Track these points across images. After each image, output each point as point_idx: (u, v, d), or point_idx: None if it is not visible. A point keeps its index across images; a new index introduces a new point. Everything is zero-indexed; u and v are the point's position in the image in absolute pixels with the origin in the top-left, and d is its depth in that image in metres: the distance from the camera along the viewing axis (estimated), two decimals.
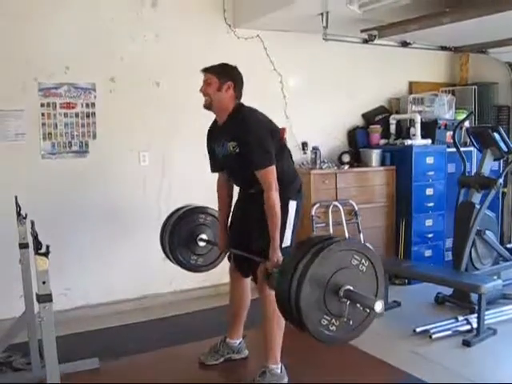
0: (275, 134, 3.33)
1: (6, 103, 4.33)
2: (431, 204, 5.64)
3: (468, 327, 4.24)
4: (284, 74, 5.50)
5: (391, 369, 3.64)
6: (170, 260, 3.93)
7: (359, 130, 5.97)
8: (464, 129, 5.66)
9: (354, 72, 5.90)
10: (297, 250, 2.72)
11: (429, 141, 5.70)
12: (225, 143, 3.30)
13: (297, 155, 5.63)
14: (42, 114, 4.49)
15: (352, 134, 5.99)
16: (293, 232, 3.33)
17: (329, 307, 2.42)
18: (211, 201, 3.77)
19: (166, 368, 3.79)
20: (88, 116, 4.66)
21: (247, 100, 5.24)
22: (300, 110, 5.60)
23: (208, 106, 3.37)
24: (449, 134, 5.77)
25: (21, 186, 4.17)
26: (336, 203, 5.29)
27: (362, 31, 5.30)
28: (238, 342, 3.74)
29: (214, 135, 3.48)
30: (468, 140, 5.44)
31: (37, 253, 2.25)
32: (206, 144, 3.59)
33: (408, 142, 5.59)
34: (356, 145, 5.91)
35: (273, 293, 3.16)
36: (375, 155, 5.63)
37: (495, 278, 4.70)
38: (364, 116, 6.10)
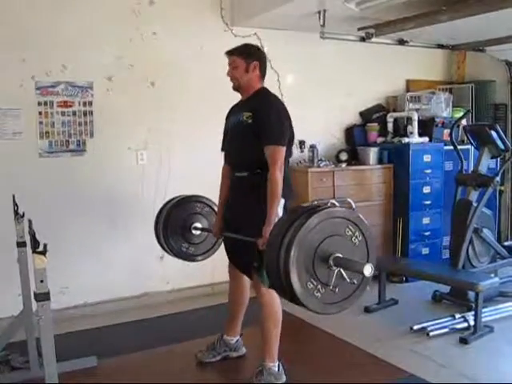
0: (290, 128, 3.38)
1: (3, 102, 4.33)
2: (428, 202, 5.66)
3: (465, 325, 4.25)
4: (281, 73, 5.49)
5: (389, 366, 3.64)
6: (164, 248, 3.89)
7: (357, 128, 5.98)
8: (461, 127, 5.67)
9: (352, 70, 5.91)
10: (291, 213, 2.70)
11: (426, 139, 5.71)
12: (240, 113, 3.35)
13: (294, 153, 5.61)
14: (40, 113, 4.49)
15: (349, 132, 5.99)
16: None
17: (317, 272, 2.38)
18: (210, 197, 3.78)
19: (163, 366, 3.80)
20: (85, 114, 4.66)
21: None
22: (297, 108, 5.52)
23: (236, 88, 3.42)
24: (446, 131, 5.77)
25: (18, 185, 4.16)
26: (333, 201, 5.28)
27: (359, 29, 5.30)
28: (235, 339, 3.75)
29: (234, 110, 3.52)
30: (465, 138, 5.44)
31: (34, 251, 2.25)
32: (224, 126, 3.60)
33: (405, 140, 5.60)
34: (353, 143, 5.91)
35: (269, 291, 3.19)
36: (373, 153, 5.63)
37: (492, 275, 4.70)
38: (361, 114, 6.11)
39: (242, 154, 3.38)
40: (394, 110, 6.12)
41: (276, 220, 3.13)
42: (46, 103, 4.50)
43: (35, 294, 2.24)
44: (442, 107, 5.98)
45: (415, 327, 4.24)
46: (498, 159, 5.58)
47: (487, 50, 6.27)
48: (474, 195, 4.86)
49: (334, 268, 2.38)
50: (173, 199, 3.94)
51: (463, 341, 4.03)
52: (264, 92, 3.41)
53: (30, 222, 2.78)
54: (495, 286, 4.47)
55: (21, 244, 3.36)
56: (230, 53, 3.40)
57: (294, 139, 3.49)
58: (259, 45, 5.27)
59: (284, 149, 3.20)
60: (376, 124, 5.94)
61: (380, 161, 5.67)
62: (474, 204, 4.80)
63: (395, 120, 5.94)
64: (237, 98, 5.21)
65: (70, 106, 4.60)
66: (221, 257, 3.74)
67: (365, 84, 6.04)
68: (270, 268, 2.51)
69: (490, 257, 5.04)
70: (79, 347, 3.90)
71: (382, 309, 4.79)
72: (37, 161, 4.51)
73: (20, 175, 4.41)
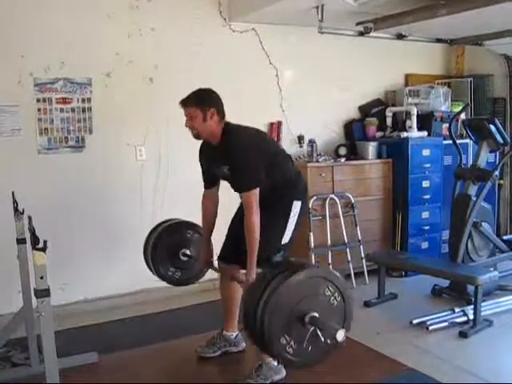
0: (266, 148, 3.38)
1: (1, 98, 4.33)
2: (428, 196, 5.66)
3: (464, 319, 4.27)
4: (280, 68, 5.50)
5: (388, 360, 3.65)
6: (151, 270, 4.00)
7: (356, 123, 5.98)
8: (460, 121, 5.67)
9: (350, 65, 5.90)
10: (276, 266, 2.81)
11: (425, 133, 5.70)
12: (220, 167, 3.34)
13: (293, 148, 5.64)
14: (38, 110, 4.49)
15: (348, 127, 5.99)
16: (294, 231, 3.40)
17: (292, 328, 2.47)
18: None
19: (164, 361, 3.81)
20: (84, 111, 4.66)
21: (243, 94, 5.28)
22: (296, 103, 5.60)
23: (197, 137, 3.38)
24: (445, 126, 5.78)
25: (17, 182, 4.17)
26: (333, 196, 5.30)
27: (358, 24, 5.29)
28: (234, 334, 3.76)
29: (209, 157, 3.47)
30: (464, 132, 5.44)
31: (34, 248, 2.26)
32: (198, 160, 3.59)
33: (404, 134, 5.60)
34: (352, 137, 5.91)
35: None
36: (372, 148, 5.63)
37: (491, 269, 4.71)
38: (360, 109, 6.11)
39: None
40: (393, 105, 6.12)
41: (289, 223, 3.32)
42: (44, 100, 4.50)
43: (35, 290, 2.25)
44: (440, 101, 5.98)
45: (415, 321, 4.25)
46: (497, 153, 5.58)
47: (485, 44, 6.27)
48: (473, 189, 4.86)
49: (309, 326, 2.45)
50: (164, 222, 4.05)
51: (462, 335, 4.04)
52: (227, 135, 3.30)
53: (29, 218, 2.78)
54: (494, 280, 4.46)
55: (21, 241, 3.36)
56: (184, 104, 3.29)
57: (283, 151, 3.53)
58: (257, 40, 5.33)
59: (256, 190, 3.18)
60: (375, 118, 5.93)
61: (379, 155, 5.67)
62: (473, 198, 4.80)
63: (394, 114, 5.94)
64: (236, 95, 5.25)
65: (69, 103, 4.60)
66: None
67: (363, 78, 6.04)
68: (248, 311, 2.58)
69: (489, 251, 5.05)
70: (80, 343, 3.90)
71: (382, 303, 4.80)
72: (36, 157, 4.51)
73: (19, 172, 4.41)
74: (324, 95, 5.80)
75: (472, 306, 4.24)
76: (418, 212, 5.64)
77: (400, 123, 5.91)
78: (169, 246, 3.93)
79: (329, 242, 5.23)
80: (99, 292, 4.77)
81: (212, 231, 3.67)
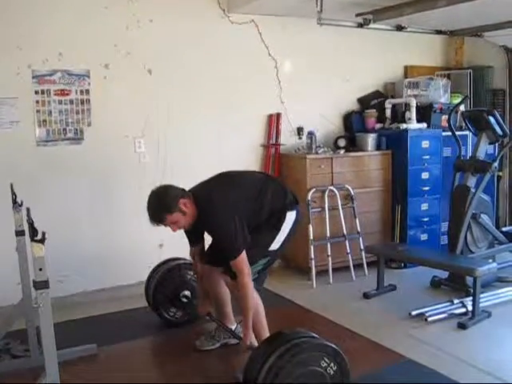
0: (239, 197, 3.32)
1: None
2: (427, 188, 5.66)
3: (463, 310, 4.27)
4: (279, 59, 5.49)
5: (387, 352, 3.66)
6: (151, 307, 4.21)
7: (355, 115, 5.96)
8: (459, 113, 5.66)
9: (350, 56, 5.89)
10: (274, 338, 2.87)
11: (424, 125, 5.69)
12: (204, 232, 3.45)
13: (292, 140, 5.65)
14: (37, 101, 4.48)
15: (347, 119, 5.98)
16: (286, 239, 3.43)
17: None
18: None
19: (163, 353, 3.83)
20: (82, 103, 4.64)
21: (242, 85, 5.29)
22: (295, 94, 5.59)
23: (189, 226, 3.34)
24: (444, 117, 5.77)
25: (16, 174, 4.16)
26: (332, 188, 5.29)
27: (357, 15, 5.27)
28: (233, 327, 3.75)
29: (192, 229, 3.44)
30: (463, 124, 5.43)
31: (33, 240, 2.26)
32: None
33: (403, 126, 5.59)
34: (352, 129, 5.90)
35: (245, 285, 3.21)
36: (371, 140, 5.62)
37: (490, 261, 4.72)
38: (359, 100, 6.10)
39: None
40: (392, 97, 6.11)
41: (282, 231, 3.38)
42: (42, 92, 4.49)
43: (34, 282, 2.25)
44: (440, 93, 5.96)
45: (414, 313, 4.25)
46: (496, 145, 5.58)
47: (485, 36, 6.24)
48: (472, 181, 4.87)
49: None
50: (164, 263, 4.24)
51: (461, 326, 4.05)
52: (204, 204, 3.25)
53: (28, 210, 2.78)
54: (493, 272, 4.49)
55: (19, 232, 3.36)
56: (159, 221, 3.23)
57: (261, 180, 3.55)
58: (256, 32, 5.31)
59: (242, 254, 3.15)
60: (374, 110, 5.93)
61: (378, 147, 5.66)
62: (472, 190, 4.81)
63: (393, 106, 5.93)
64: (235, 87, 5.25)
65: (67, 95, 4.59)
66: None
67: (363, 70, 6.03)
68: (249, 376, 2.70)
69: (488, 242, 5.06)
70: (79, 335, 3.91)
71: (381, 295, 4.81)
72: (34, 149, 4.51)
73: (18, 164, 4.40)
74: (323, 87, 5.78)
75: (471, 298, 4.25)
76: (418, 204, 5.63)
77: (399, 115, 5.91)
78: (169, 290, 4.11)
79: (328, 234, 5.23)
80: (98, 284, 4.77)
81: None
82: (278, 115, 5.52)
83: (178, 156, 5.01)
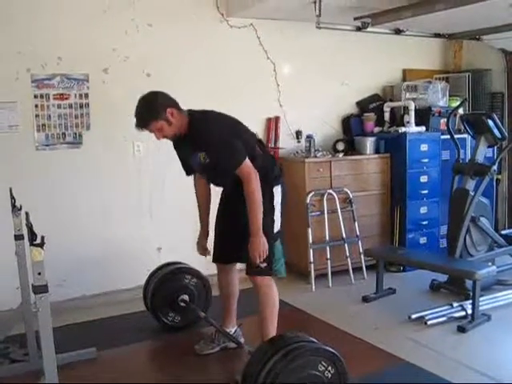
0: (236, 128, 3.31)
1: None
2: (426, 191, 5.66)
3: (463, 313, 4.27)
4: (277, 63, 5.49)
5: (387, 355, 3.66)
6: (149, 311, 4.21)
7: (353, 118, 5.97)
8: (458, 116, 5.67)
9: (348, 60, 5.90)
10: (274, 341, 2.90)
11: (423, 128, 5.70)
12: (195, 155, 3.28)
13: (291, 144, 5.65)
14: (36, 106, 4.48)
15: (346, 122, 5.98)
16: (281, 215, 3.39)
17: None
18: None
19: (162, 357, 3.83)
20: (81, 107, 4.65)
21: (241, 89, 5.29)
22: (294, 98, 5.60)
23: (173, 138, 3.33)
24: (443, 121, 5.78)
25: (15, 178, 4.17)
26: (331, 191, 5.29)
27: (356, 19, 5.28)
28: (232, 330, 3.75)
29: (181, 147, 3.44)
30: (462, 127, 5.44)
31: (32, 244, 2.26)
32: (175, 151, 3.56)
33: (402, 129, 5.59)
34: (350, 133, 5.90)
35: (265, 282, 3.28)
36: (369, 143, 5.63)
37: (489, 264, 4.72)
38: (358, 104, 6.10)
39: (225, 181, 3.42)
40: (391, 100, 6.11)
41: (276, 209, 3.30)
42: (42, 96, 4.49)
43: (33, 286, 2.25)
44: (438, 96, 5.97)
45: (413, 316, 4.25)
46: (495, 148, 5.59)
47: (484, 39, 6.25)
48: (471, 184, 4.87)
49: None
50: (162, 267, 4.24)
51: (461, 329, 4.04)
52: (193, 124, 3.24)
53: (27, 214, 2.78)
54: (492, 275, 4.48)
55: (18, 237, 3.36)
56: (143, 126, 3.22)
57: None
58: (255, 36, 5.32)
59: (246, 160, 3.15)
60: (373, 114, 5.93)
61: (377, 150, 5.66)
62: (471, 193, 4.81)
63: (392, 110, 5.94)
64: (234, 91, 5.25)
65: (66, 99, 4.59)
66: None
67: (361, 74, 6.03)
68: (248, 380, 2.71)
69: (488, 245, 5.06)
70: (78, 339, 3.90)
71: (380, 298, 4.81)
72: (33, 153, 4.51)
73: (17, 168, 4.40)
74: (322, 90, 5.79)
75: (470, 301, 4.25)
76: (416, 207, 5.63)
77: (398, 118, 5.91)
78: (167, 294, 4.10)
79: (327, 238, 5.23)
80: (97, 288, 4.76)
81: (209, 214, 3.69)
82: (277, 119, 5.53)
83: (177, 159, 4.99)
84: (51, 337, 2.30)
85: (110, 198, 4.80)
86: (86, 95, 4.65)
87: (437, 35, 6.34)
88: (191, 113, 3.29)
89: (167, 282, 4.11)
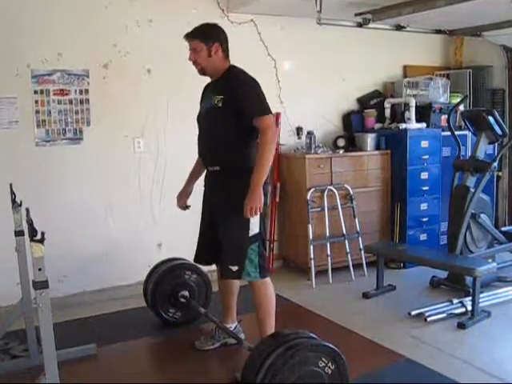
0: None
1: None
2: (426, 188, 5.66)
3: (463, 310, 4.27)
4: (278, 59, 5.49)
5: (387, 351, 3.66)
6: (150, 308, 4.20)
7: (354, 115, 5.97)
8: (459, 112, 5.66)
9: (349, 56, 5.89)
10: (274, 337, 2.89)
11: (423, 125, 5.69)
12: (211, 97, 3.27)
13: (291, 140, 5.64)
14: (36, 101, 4.47)
15: (347, 119, 5.98)
16: (261, 218, 3.24)
17: None
18: None
19: (162, 353, 3.83)
20: (82, 103, 4.64)
21: None
22: (294, 94, 5.59)
23: (201, 72, 3.35)
24: (443, 117, 5.78)
25: (15, 174, 4.17)
26: (331, 188, 5.29)
27: (357, 15, 5.28)
28: (232, 326, 3.75)
29: (206, 93, 3.46)
30: (463, 123, 5.44)
31: (32, 240, 2.25)
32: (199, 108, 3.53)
33: (403, 125, 5.59)
34: (351, 129, 5.90)
35: (263, 281, 3.25)
36: (370, 139, 5.62)
37: (490, 261, 4.72)
38: (359, 100, 6.10)
39: (214, 143, 3.33)
40: (392, 96, 6.10)
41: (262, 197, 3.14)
42: (42, 92, 4.48)
43: (34, 282, 2.25)
44: (439, 93, 5.97)
45: (413, 312, 4.26)
46: (496, 144, 5.58)
47: (485, 35, 6.24)
48: (471, 181, 4.87)
49: None
50: (163, 263, 4.24)
51: (461, 326, 4.05)
52: (234, 71, 3.29)
53: (27, 210, 2.78)
54: (493, 271, 4.49)
55: (19, 233, 3.36)
56: (188, 37, 3.29)
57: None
58: (256, 32, 5.31)
59: (272, 117, 3.15)
60: (373, 110, 5.93)
61: (377, 147, 5.66)
62: (472, 190, 4.81)
63: (393, 106, 5.94)
64: None
65: (67, 95, 4.58)
66: None
67: (362, 70, 6.02)
68: (248, 376, 2.71)
69: (488, 242, 5.06)
70: (78, 335, 3.92)
71: (380, 294, 4.81)
72: (33, 149, 4.50)
73: (17, 164, 4.40)
74: (322, 87, 5.79)
75: (470, 298, 4.25)
76: (417, 203, 5.63)
77: (398, 115, 5.91)
78: (168, 290, 4.11)
79: (327, 234, 5.23)
80: (98, 284, 4.77)
81: (197, 178, 3.69)
82: (278, 115, 5.51)
83: (178, 156, 5.00)
84: (51, 332, 2.30)
85: (110, 194, 4.80)
86: (87, 91, 4.65)
87: (438, 31, 6.32)
88: (233, 65, 3.34)
89: (167, 278, 4.11)
